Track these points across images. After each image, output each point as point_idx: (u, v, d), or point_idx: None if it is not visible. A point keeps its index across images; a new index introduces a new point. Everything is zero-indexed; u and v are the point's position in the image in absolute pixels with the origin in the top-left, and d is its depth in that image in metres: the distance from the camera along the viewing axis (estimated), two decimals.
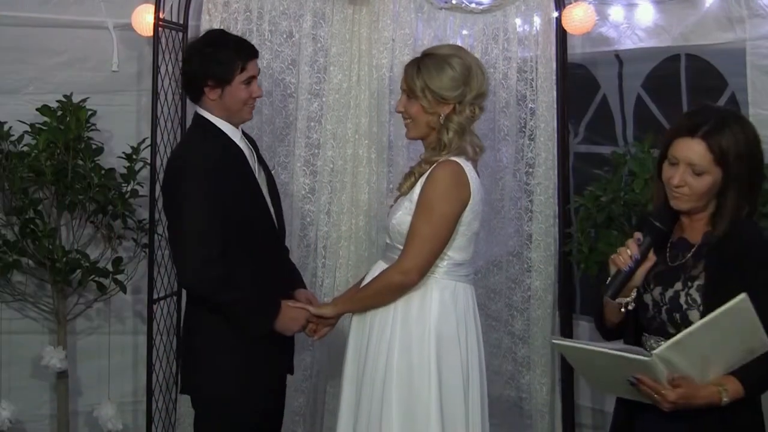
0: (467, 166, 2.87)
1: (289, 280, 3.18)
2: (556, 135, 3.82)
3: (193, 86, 3.03)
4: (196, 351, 3.01)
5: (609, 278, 2.35)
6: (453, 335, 2.85)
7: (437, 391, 2.79)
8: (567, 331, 3.81)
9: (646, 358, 2.16)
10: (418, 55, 3.02)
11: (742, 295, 2.10)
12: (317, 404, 4.01)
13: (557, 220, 3.84)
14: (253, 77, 3.02)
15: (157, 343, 3.88)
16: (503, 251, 3.92)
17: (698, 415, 2.23)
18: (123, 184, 3.95)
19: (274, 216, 3.10)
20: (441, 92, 2.84)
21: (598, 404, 3.89)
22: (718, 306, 2.12)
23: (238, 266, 2.91)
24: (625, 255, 2.32)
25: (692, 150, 2.26)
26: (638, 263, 2.32)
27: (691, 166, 2.27)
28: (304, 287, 3.25)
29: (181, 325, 3.53)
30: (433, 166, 2.85)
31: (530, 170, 3.86)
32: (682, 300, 2.30)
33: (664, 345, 2.17)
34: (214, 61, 2.96)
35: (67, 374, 4.03)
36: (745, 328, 2.14)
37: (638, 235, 2.34)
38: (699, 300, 2.28)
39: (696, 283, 2.30)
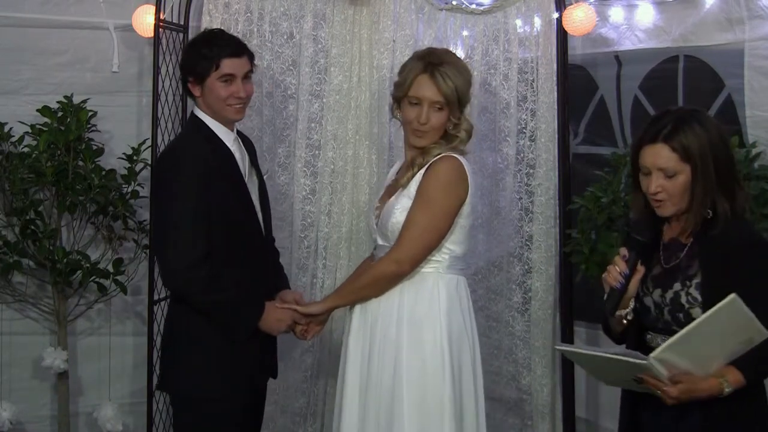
0: (464, 161, 2.89)
1: (275, 284, 3.15)
2: (556, 136, 3.82)
3: (182, 83, 3.09)
4: (175, 349, 3.00)
5: (605, 296, 2.43)
6: (462, 330, 2.86)
7: (451, 388, 2.79)
8: (568, 332, 3.81)
9: (643, 362, 2.23)
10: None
11: (732, 296, 2.17)
12: (318, 405, 4.01)
13: (558, 221, 3.83)
14: (232, 75, 2.95)
15: (157, 344, 3.85)
16: (503, 252, 3.91)
17: (705, 407, 2.29)
18: (123, 185, 3.95)
19: (261, 221, 3.08)
20: (466, 97, 2.91)
21: (592, 416, 3.92)
22: (718, 301, 2.18)
23: (223, 268, 2.90)
24: (615, 272, 2.40)
25: (658, 155, 2.33)
26: (628, 278, 2.39)
27: (661, 170, 2.33)
28: (288, 288, 3.23)
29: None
30: (433, 159, 2.86)
31: (531, 171, 3.86)
32: (683, 300, 2.36)
33: (660, 348, 2.24)
34: (193, 57, 2.99)
35: (68, 375, 4.03)
36: (739, 324, 2.20)
37: (623, 251, 2.41)
38: (699, 298, 2.33)
39: (694, 281, 2.35)
